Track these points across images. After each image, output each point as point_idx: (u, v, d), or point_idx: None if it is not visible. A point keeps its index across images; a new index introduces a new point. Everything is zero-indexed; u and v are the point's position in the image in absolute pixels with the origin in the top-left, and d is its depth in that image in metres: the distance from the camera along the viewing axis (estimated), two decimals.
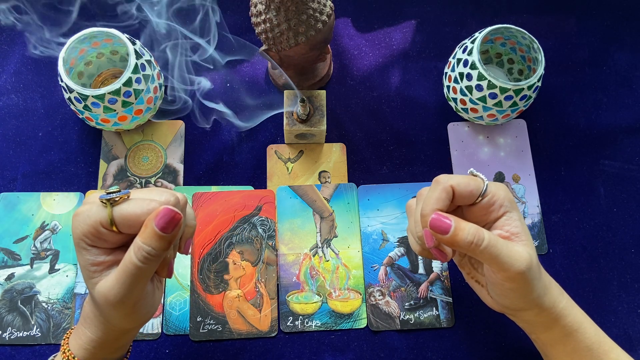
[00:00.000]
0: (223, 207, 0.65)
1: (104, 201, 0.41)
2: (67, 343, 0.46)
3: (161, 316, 0.61)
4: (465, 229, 0.45)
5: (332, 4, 0.59)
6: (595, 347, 0.49)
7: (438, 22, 0.75)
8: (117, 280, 0.41)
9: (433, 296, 0.62)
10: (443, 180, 0.47)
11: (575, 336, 0.49)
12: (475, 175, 0.49)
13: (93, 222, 0.41)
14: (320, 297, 0.62)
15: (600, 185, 0.68)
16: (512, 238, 0.47)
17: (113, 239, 0.42)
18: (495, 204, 0.48)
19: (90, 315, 0.45)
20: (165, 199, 0.42)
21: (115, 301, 0.41)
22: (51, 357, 0.49)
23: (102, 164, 0.67)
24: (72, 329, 0.48)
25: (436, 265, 0.64)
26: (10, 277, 0.62)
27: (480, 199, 0.48)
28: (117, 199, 0.41)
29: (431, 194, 0.47)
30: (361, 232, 0.65)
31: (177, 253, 0.47)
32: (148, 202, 0.41)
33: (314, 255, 0.64)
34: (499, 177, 0.68)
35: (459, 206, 0.50)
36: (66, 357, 0.45)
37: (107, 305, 0.42)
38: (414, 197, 0.53)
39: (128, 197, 0.42)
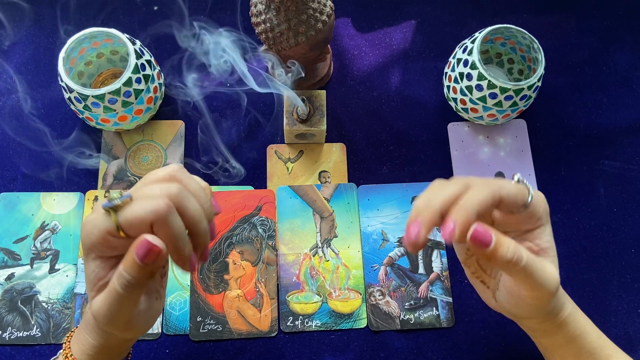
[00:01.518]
0: (223, 207, 0.65)
1: (107, 209, 0.39)
2: (69, 347, 0.46)
3: (161, 316, 0.61)
4: (505, 245, 0.41)
5: (332, 4, 0.59)
6: (598, 351, 0.48)
7: (438, 22, 0.75)
8: (104, 302, 0.40)
9: (433, 296, 0.62)
10: (495, 186, 0.41)
11: (577, 342, 0.48)
12: (523, 183, 0.44)
13: (100, 232, 0.40)
14: (320, 297, 0.62)
15: (600, 185, 0.68)
16: (541, 253, 0.45)
17: (125, 243, 0.40)
18: (534, 216, 0.44)
19: (91, 322, 0.44)
20: (166, 191, 0.40)
21: (103, 322, 0.41)
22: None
23: (102, 164, 0.67)
24: (72, 331, 0.48)
25: (436, 265, 0.64)
26: (10, 277, 0.62)
27: (524, 210, 0.43)
28: (119, 203, 0.39)
29: (477, 195, 0.41)
30: (361, 232, 0.65)
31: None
32: (151, 201, 0.39)
33: (314, 255, 0.64)
34: (499, 177, 0.68)
35: None
36: None
37: (99, 322, 0.42)
38: (415, 196, 0.53)
39: (131, 199, 0.40)
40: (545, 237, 0.45)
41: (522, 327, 0.52)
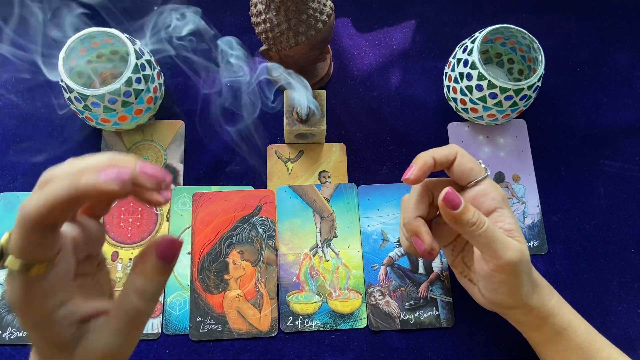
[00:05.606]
0: (223, 207, 0.65)
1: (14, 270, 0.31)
2: None
3: (161, 316, 0.61)
4: (470, 210, 0.47)
5: (332, 4, 0.59)
6: (586, 345, 0.49)
7: (438, 22, 0.75)
8: (121, 333, 0.34)
9: (433, 296, 0.62)
10: (433, 149, 0.53)
11: (565, 335, 0.50)
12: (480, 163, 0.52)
13: (22, 291, 0.32)
14: (320, 297, 0.62)
15: (600, 185, 0.68)
16: (506, 234, 0.49)
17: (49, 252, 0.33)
18: (487, 195, 0.50)
19: None
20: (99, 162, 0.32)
21: (122, 357, 0.35)
22: None
23: None
24: None
25: (436, 265, 0.64)
26: None
27: (474, 183, 0.51)
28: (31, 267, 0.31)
29: (430, 150, 0.52)
30: (361, 232, 0.65)
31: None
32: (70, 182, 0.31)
33: (314, 255, 0.64)
34: (499, 177, 0.68)
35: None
36: None
37: None
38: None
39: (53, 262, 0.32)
40: (507, 219, 0.50)
41: (512, 322, 0.53)
